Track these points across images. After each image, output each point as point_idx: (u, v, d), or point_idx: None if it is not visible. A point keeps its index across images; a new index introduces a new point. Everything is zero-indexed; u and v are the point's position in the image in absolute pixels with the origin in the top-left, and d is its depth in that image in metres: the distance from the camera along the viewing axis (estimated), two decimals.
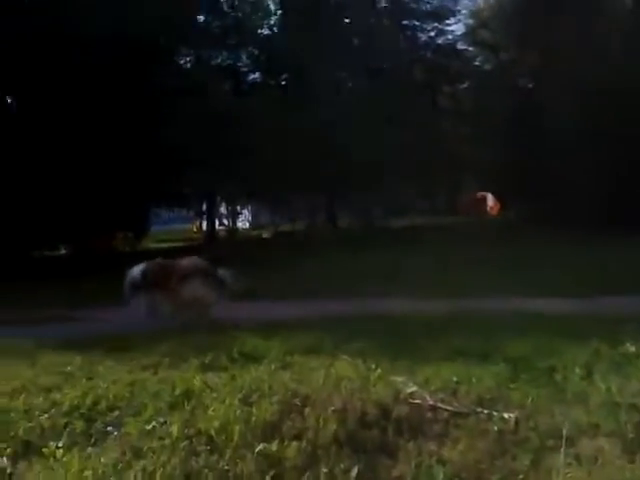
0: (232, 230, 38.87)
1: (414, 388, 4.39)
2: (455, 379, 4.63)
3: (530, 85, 32.38)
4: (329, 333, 6.48)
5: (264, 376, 4.97)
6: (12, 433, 4.01)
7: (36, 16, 15.36)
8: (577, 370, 4.71)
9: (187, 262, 9.12)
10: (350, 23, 30.56)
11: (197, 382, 4.90)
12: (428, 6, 30.43)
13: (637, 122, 20.65)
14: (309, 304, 9.45)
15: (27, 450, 3.82)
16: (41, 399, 4.69)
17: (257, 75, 30.31)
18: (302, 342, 6.21)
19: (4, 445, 3.84)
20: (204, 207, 32.09)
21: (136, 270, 9.00)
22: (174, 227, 38.95)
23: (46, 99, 16.14)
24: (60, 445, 3.80)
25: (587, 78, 22.09)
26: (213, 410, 4.21)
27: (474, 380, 4.57)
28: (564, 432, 3.56)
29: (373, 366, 5.08)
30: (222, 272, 8.95)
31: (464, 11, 32.85)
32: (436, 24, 30.96)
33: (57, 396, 4.75)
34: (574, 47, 26.11)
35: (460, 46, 33.61)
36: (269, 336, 6.55)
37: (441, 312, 7.45)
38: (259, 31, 29.51)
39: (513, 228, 24.65)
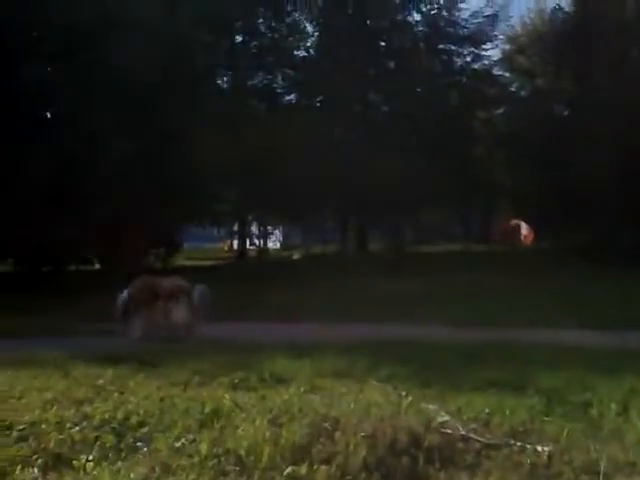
0: (262, 250, 39.04)
1: (446, 417, 4.33)
2: (487, 410, 4.54)
3: (566, 112, 32.18)
4: (358, 357, 6.44)
5: (294, 398, 4.95)
6: (43, 445, 4.02)
7: (84, 48, 15.71)
8: (613, 406, 4.59)
9: (169, 282, 9.24)
10: (386, 46, 30.71)
11: (226, 401, 4.89)
12: (465, 30, 30.36)
13: None
14: (338, 327, 9.43)
15: (58, 462, 3.83)
16: (72, 412, 4.71)
17: (292, 96, 30.57)
18: (331, 365, 6.18)
19: (35, 457, 3.86)
20: (235, 226, 32.26)
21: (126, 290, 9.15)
22: (205, 245, 39.30)
23: (91, 115, 16.45)
24: (90, 458, 3.81)
25: (623, 106, 21.88)
26: (242, 430, 4.19)
27: (507, 411, 4.48)
28: (601, 468, 3.48)
29: (403, 393, 5.02)
30: (201, 292, 8.99)
31: (501, 36, 32.68)
32: (472, 49, 30.87)
33: (88, 409, 4.77)
34: (610, 75, 25.97)
35: (496, 71, 33.47)
36: (298, 357, 6.53)
37: (473, 340, 7.37)
38: (295, 52, 29.80)
39: (547, 258, 24.29)
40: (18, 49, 15.96)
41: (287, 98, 30.41)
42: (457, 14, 30.22)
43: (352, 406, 4.69)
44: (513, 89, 35.26)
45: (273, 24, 28.05)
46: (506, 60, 35.22)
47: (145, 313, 9.02)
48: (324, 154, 23.37)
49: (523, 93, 35.33)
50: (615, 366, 5.87)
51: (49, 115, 19.46)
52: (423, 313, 10.16)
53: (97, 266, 20.47)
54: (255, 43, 27.33)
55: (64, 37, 15.37)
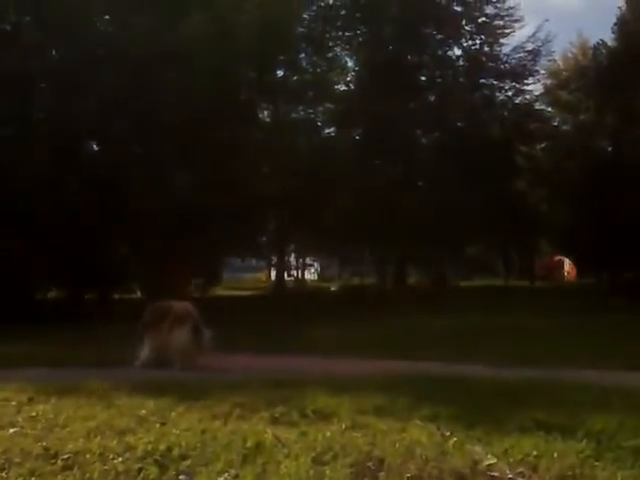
0: (300, 281, 39.11)
1: (492, 460, 4.23)
2: (535, 453, 4.42)
3: (610, 147, 31.84)
4: (400, 394, 6.35)
5: (336, 436, 4.89)
6: (88, 475, 4.04)
7: (126, 95, 16.17)
8: None
9: (178, 306, 9.25)
10: (427, 80, 30.85)
11: (268, 436, 4.86)
12: (506, 65, 30.42)
13: None
14: (378, 362, 9.35)
15: None
16: (115, 442, 4.72)
17: (332, 129, 30.85)
18: (372, 401, 6.09)
19: None
20: (274, 257, 32.43)
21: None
22: (243, 275, 39.56)
23: (131, 149, 16.87)
24: None
25: None
26: (285, 467, 4.16)
27: (555, 455, 4.35)
28: None
29: (448, 433, 4.93)
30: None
31: (543, 71, 32.61)
32: (514, 83, 30.85)
33: (131, 440, 4.78)
34: None
35: (538, 106, 33.36)
36: (339, 393, 6.47)
37: (518, 380, 7.22)
38: (336, 87, 30.12)
39: (591, 295, 23.86)
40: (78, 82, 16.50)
41: (327, 131, 30.76)
42: (499, 49, 30.35)
43: (396, 446, 4.62)
44: (555, 124, 35.09)
45: (314, 59, 28.45)
46: (548, 95, 35.13)
47: (151, 337, 9.09)
48: (364, 187, 23.44)
49: (566, 128, 35.15)
50: None
51: (95, 147, 19.95)
52: (465, 350, 10.02)
53: (139, 294, 20.75)
54: (296, 78, 27.73)
55: (114, 71, 15.82)
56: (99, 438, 4.82)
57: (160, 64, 16.11)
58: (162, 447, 4.58)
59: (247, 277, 41.01)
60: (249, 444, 4.68)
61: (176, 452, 4.51)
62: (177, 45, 15.99)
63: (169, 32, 16.10)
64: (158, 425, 5.26)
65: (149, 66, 16.11)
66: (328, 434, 4.93)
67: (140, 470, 4.15)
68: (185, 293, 18.33)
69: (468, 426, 5.13)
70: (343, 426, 5.21)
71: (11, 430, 5.09)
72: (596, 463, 4.25)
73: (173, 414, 5.64)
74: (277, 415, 5.59)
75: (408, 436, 4.89)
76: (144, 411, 5.70)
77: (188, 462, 4.34)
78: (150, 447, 4.58)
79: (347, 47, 30.18)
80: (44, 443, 4.64)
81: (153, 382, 7.13)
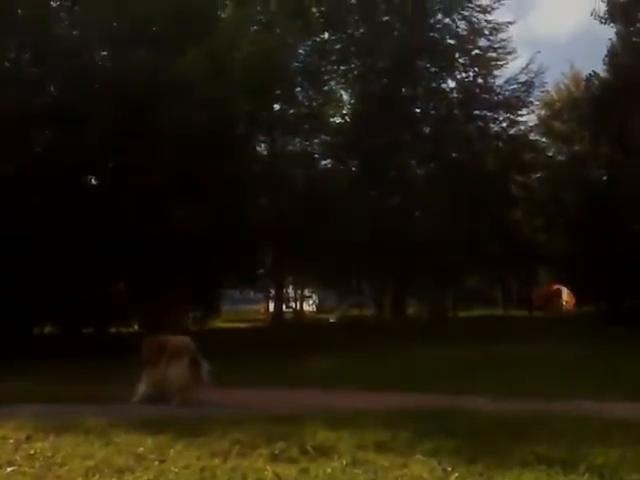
0: (298, 313, 39.01)
1: None
2: None
3: (605, 177, 32.11)
4: (400, 428, 6.30)
5: (337, 473, 4.85)
6: None
7: (125, 129, 16.34)
8: None
9: (176, 340, 9.21)
10: (421, 112, 31.16)
11: (269, 473, 4.82)
12: (500, 97, 30.76)
13: None
14: (377, 395, 9.30)
15: None
16: None
17: (328, 161, 31.08)
18: (372, 437, 6.03)
19: None
20: (272, 289, 32.38)
21: None
22: (241, 307, 39.44)
23: (128, 183, 16.96)
24: None
25: None
26: None
27: None
28: None
29: (449, 468, 4.90)
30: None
31: (537, 102, 32.98)
32: (508, 114, 31.18)
33: (130, 478, 4.75)
34: None
35: (532, 136, 33.69)
36: (338, 428, 6.42)
37: (518, 412, 7.17)
38: (331, 119, 30.42)
39: (591, 324, 23.82)
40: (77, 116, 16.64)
41: (323, 163, 30.99)
42: (492, 81, 30.74)
43: None
44: (550, 154, 35.43)
45: (310, 92, 28.77)
46: (542, 125, 35.54)
47: (148, 373, 9.03)
48: (360, 218, 23.54)
49: (560, 158, 35.48)
50: None
51: (94, 181, 20.04)
52: (464, 382, 9.96)
53: (136, 328, 20.67)
54: (293, 111, 28.00)
55: (112, 106, 15.95)
56: (97, 477, 4.79)
57: (158, 99, 16.27)
58: None
59: (245, 309, 40.86)
60: None
61: None
62: (174, 81, 16.16)
63: (166, 68, 16.28)
64: (157, 463, 5.21)
65: (147, 101, 16.26)
66: (329, 471, 4.90)
67: None
68: (183, 326, 18.31)
69: (469, 461, 5.10)
70: (344, 462, 5.17)
71: (9, 469, 5.04)
72: None
73: (172, 451, 5.59)
74: (277, 452, 5.53)
75: (410, 472, 4.85)
76: (142, 449, 5.64)
77: None
78: None
79: (342, 80, 30.54)
80: None
81: (151, 418, 7.07)
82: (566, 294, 36.94)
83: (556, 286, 37.50)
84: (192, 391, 8.99)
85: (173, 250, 16.75)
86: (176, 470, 4.95)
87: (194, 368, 8.94)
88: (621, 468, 4.86)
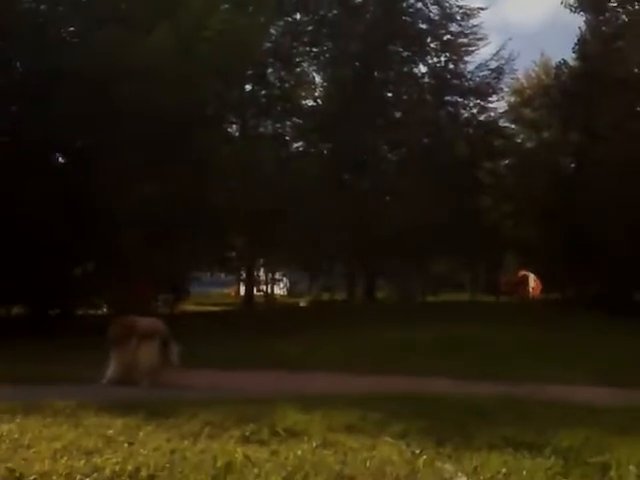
0: (269, 296, 39.00)
1: (463, 478, 4.25)
2: (504, 470, 4.45)
3: (572, 165, 32.51)
4: (370, 411, 6.36)
5: (307, 454, 4.87)
6: None
7: (92, 108, 16.06)
8: (632, 468, 4.49)
9: (146, 322, 9.17)
10: (393, 97, 31.16)
11: (238, 455, 4.81)
12: (471, 83, 30.88)
13: None
14: (348, 378, 9.37)
15: None
16: (82, 462, 4.61)
17: (300, 144, 30.97)
18: (342, 419, 6.09)
19: None
20: (243, 272, 32.29)
21: None
22: (212, 290, 39.32)
23: (97, 162, 16.69)
24: None
25: (629, 159, 22.02)
26: None
27: (524, 472, 4.39)
28: None
29: (418, 450, 4.95)
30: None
31: (507, 89, 33.21)
32: (478, 101, 31.33)
33: (98, 460, 4.69)
34: (615, 128, 26.27)
35: (502, 123, 33.93)
36: (309, 409, 6.45)
37: (485, 395, 7.29)
38: (304, 102, 30.27)
39: (557, 310, 24.19)
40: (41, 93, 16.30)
41: (295, 146, 30.86)
42: (463, 67, 30.82)
43: (367, 464, 4.61)
44: (519, 141, 35.74)
45: (282, 74, 28.56)
46: (512, 112, 35.81)
47: (117, 355, 8.98)
48: (332, 202, 23.53)
49: (529, 145, 35.82)
50: (631, 425, 5.78)
51: (61, 159, 19.71)
52: (433, 365, 10.09)
53: (104, 310, 20.48)
54: (264, 92, 27.76)
55: (80, 84, 15.65)
56: (66, 459, 4.72)
57: (126, 77, 15.99)
58: (130, 467, 4.50)
59: (216, 292, 40.73)
60: (219, 464, 4.62)
61: (144, 473, 4.43)
62: (142, 59, 15.89)
63: (134, 45, 15.99)
64: (126, 445, 5.17)
65: (115, 79, 15.98)
66: (299, 453, 4.91)
67: None
68: (152, 309, 18.18)
69: (438, 443, 5.15)
70: (314, 444, 5.19)
71: None
72: None
73: (141, 433, 5.56)
74: (247, 434, 5.54)
75: (379, 454, 4.89)
76: (111, 431, 5.60)
77: None
78: (118, 468, 4.49)
79: (314, 63, 30.36)
80: (9, 464, 4.52)
81: (120, 400, 7.03)
82: (533, 280, 37.41)
83: (523, 272, 37.97)
84: (162, 373, 8.95)
85: (142, 231, 16.56)
86: (145, 452, 4.91)
87: (164, 350, 8.90)
88: (585, 451, 4.96)
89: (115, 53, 15.79)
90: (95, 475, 4.36)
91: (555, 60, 33.70)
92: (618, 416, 6.43)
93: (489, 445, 5.11)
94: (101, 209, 16.19)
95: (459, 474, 4.32)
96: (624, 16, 28.43)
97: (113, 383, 8.78)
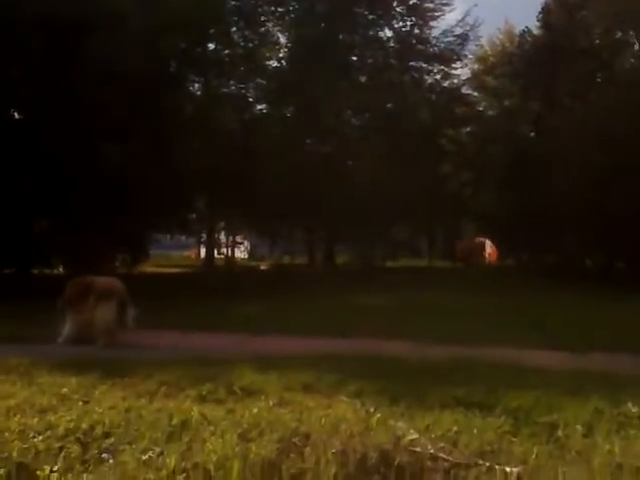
0: (230, 260, 38.87)
1: (415, 435, 4.34)
2: (456, 428, 4.57)
3: (532, 133, 32.89)
4: (326, 372, 6.45)
5: (263, 412, 4.92)
6: (5, 454, 3.93)
7: (52, 61, 15.55)
8: (578, 427, 4.65)
9: (103, 282, 9.11)
10: (358, 61, 30.95)
11: (194, 414, 4.84)
12: (435, 49, 30.84)
13: (636, 175, 20.89)
14: (304, 340, 9.43)
15: (21, 472, 3.73)
16: (36, 420, 4.60)
17: (264, 106, 30.60)
18: (299, 379, 6.16)
19: None
20: (204, 235, 32.03)
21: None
22: (173, 253, 39.04)
23: (55, 118, 16.23)
24: (55, 469, 3.71)
25: (588, 129, 22.32)
26: (211, 444, 4.16)
27: (475, 431, 4.51)
28: None
29: (372, 409, 5.03)
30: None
31: (471, 56, 33.29)
32: (443, 67, 31.34)
33: (52, 418, 4.68)
34: (576, 98, 26.62)
35: (465, 91, 34.04)
36: (266, 370, 6.51)
37: (440, 357, 7.43)
38: (268, 63, 29.82)
39: (512, 276, 24.67)
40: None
41: (259, 107, 30.49)
42: (428, 32, 30.73)
43: (322, 421, 4.69)
44: (481, 108, 35.96)
45: (246, 33, 28.02)
46: (475, 79, 35.95)
47: (73, 314, 8.92)
48: (294, 165, 23.40)
49: (491, 113, 36.08)
50: (579, 387, 5.96)
51: (17, 115, 19.12)
52: (389, 328, 10.20)
53: (61, 270, 20.15)
54: (228, 52, 27.21)
55: (40, 33, 15.10)
56: (19, 416, 4.70)
57: (88, 31, 15.49)
58: (84, 425, 4.50)
59: (176, 254, 40.47)
60: (175, 422, 4.65)
61: (99, 430, 4.44)
62: (105, 12, 15.42)
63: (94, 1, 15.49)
64: (80, 403, 5.16)
65: (77, 33, 15.47)
66: (255, 411, 4.96)
67: (61, 448, 4.06)
68: (109, 269, 17.95)
69: (392, 402, 5.27)
70: (270, 403, 5.26)
71: None
72: (513, 439, 4.43)
73: (96, 392, 5.55)
74: (204, 393, 5.58)
75: (334, 412, 4.97)
76: (66, 389, 5.58)
77: (111, 440, 4.28)
78: (72, 425, 4.49)
79: (279, 23, 29.90)
80: None
81: (75, 359, 6.98)
82: (489, 247, 38.05)
83: (480, 239, 38.55)
84: (118, 333, 8.90)
85: (99, 190, 16.23)
86: (100, 410, 4.90)
87: (121, 310, 8.84)
88: (534, 411, 5.12)
89: (78, 4, 15.26)
90: (48, 433, 4.35)
91: (519, 28, 33.90)
92: (567, 379, 6.61)
93: (441, 404, 5.24)
94: (58, 166, 15.80)
95: (411, 431, 4.41)
96: None
97: (69, 342, 8.70)
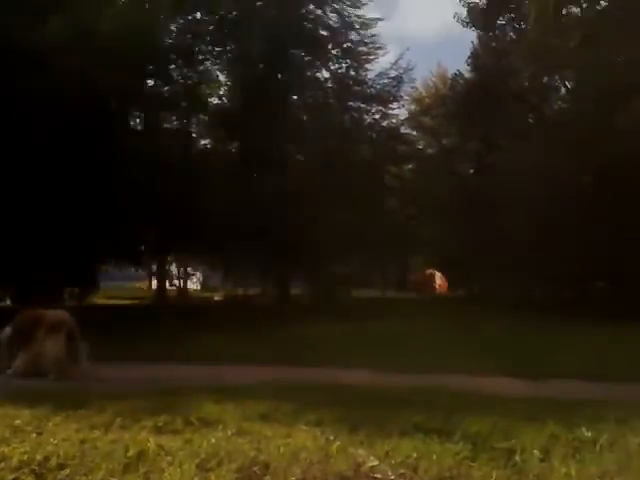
0: (183, 291, 38.49)
1: (375, 462, 4.36)
2: (415, 455, 4.59)
3: (471, 170, 33.90)
4: (284, 401, 6.41)
5: (221, 442, 4.86)
6: None
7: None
8: (535, 452, 4.72)
9: (53, 315, 9.00)
10: (298, 99, 31.26)
11: (151, 445, 4.75)
12: (372, 90, 31.36)
13: (572, 208, 21.64)
14: (261, 370, 9.37)
15: None
16: None
17: (207, 141, 30.65)
18: (257, 409, 6.12)
19: None
20: (154, 266, 31.62)
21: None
22: (123, 284, 38.43)
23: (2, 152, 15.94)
24: None
25: (526, 168, 22.94)
26: (169, 474, 4.11)
27: (434, 457, 4.54)
28: None
29: (332, 437, 5.03)
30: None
31: (406, 97, 34.09)
32: (380, 107, 31.85)
33: (5, 450, 4.55)
34: (512, 138, 27.52)
35: (404, 130, 34.79)
36: (224, 400, 6.44)
37: (398, 386, 7.48)
38: (209, 99, 29.86)
39: (464, 307, 25.05)
40: None
41: (203, 142, 30.47)
42: (364, 74, 31.30)
43: (281, 450, 4.66)
44: (421, 147, 36.94)
45: (185, 70, 27.97)
46: (412, 120, 37.00)
47: (23, 347, 8.73)
48: (241, 200, 23.38)
49: (430, 151, 37.11)
50: (535, 413, 6.05)
51: None
52: (346, 358, 10.22)
53: (8, 302, 19.66)
54: (167, 88, 27.06)
55: None
56: None
57: (21, 67, 15.31)
58: (39, 457, 4.40)
59: (127, 286, 39.79)
60: (131, 453, 4.58)
61: (54, 462, 4.35)
62: (39, 49, 15.27)
63: (28, 34, 15.32)
64: (34, 435, 5.04)
65: (12, 69, 15.28)
66: (213, 440, 4.90)
67: None
68: (58, 301, 17.56)
69: (351, 430, 5.27)
70: (229, 432, 5.20)
71: None
72: (472, 464, 4.47)
73: (50, 424, 5.42)
74: (160, 424, 5.49)
75: (293, 441, 4.95)
76: (19, 421, 5.44)
77: (67, 471, 4.21)
78: (26, 457, 4.39)
79: (217, 62, 29.95)
80: None
81: (28, 392, 6.82)
82: (439, 278, 38.59)
83: (430, 271, 39.08)
84: (69, 366, 8.71)
85: (46, 222, 15.94)
86: (55, 442, 4.79)
87: (71, 343, 8.69)
88: (492, 436, 5.17)
89: (9, 40, 15.10)
90: (2, 464, 4.24)
91: (451, 71, 35.03)
92: (524, 405, 6.74)
93: (400, 431, 5.26)
94: (4, 199, 15.46)
95: (371, 458, 4.43)
96: (511, 33, 29.72)
97: (19, 375, 8.48)
